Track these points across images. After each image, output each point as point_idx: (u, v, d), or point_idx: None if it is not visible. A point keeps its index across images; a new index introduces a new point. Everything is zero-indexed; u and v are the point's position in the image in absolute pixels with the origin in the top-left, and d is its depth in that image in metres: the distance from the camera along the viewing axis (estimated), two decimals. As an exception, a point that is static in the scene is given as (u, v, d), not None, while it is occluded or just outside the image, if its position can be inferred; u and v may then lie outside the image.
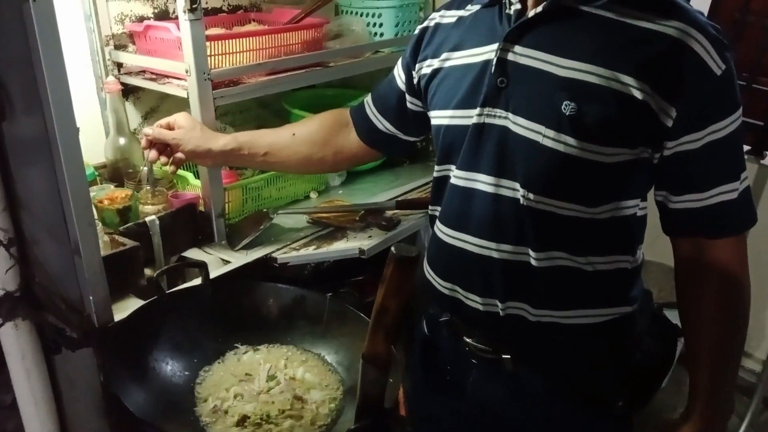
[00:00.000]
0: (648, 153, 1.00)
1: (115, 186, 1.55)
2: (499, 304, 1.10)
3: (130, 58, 1.62)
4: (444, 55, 1.15)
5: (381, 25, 1.87)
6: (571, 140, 0.98)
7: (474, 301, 1.12)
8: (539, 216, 1.03)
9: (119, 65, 1.64)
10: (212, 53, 1.42)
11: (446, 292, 1.17)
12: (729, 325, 1.09)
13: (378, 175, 1.95)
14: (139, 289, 1.32)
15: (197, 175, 1.58)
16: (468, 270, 1.12)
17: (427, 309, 1.28)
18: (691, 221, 1.04)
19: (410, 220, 1.65)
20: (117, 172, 1.61)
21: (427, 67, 1.19)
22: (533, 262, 1.06)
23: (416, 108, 1.31)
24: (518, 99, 1.02)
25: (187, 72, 1.36)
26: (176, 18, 1.34)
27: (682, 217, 1.05)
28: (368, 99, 1.42)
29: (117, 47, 1.64)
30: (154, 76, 1.58)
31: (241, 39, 1.50)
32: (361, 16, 1.89)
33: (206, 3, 1.81)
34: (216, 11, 1.85)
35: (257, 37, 1.54)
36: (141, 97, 1.75)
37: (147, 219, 1.40)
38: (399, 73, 1.32)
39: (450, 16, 1.19)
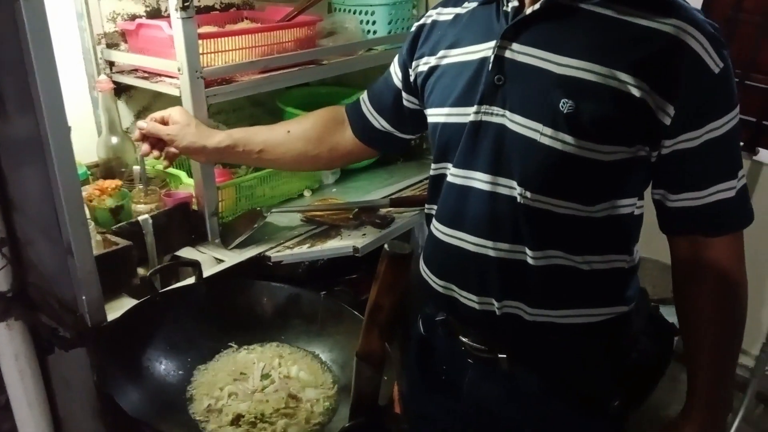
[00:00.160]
0: (645, 151, 1.00)
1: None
2: (495, 303, 1.10)
3: (122, 57, 1.61)
4: (441, 53, 1.14)
5: (374, 22, 1.87)
6: (568, 138, 0.97)
7: (470, 299, 1.12)
8: (536, 214, 1.03)
9: (111, 64, 1.63)
10: (204, 51, 1.41)
11: (442, 290, 1.16)
12: (727, 323, 1.08)
13: (372, 173, 1.95)
14: (133, 289, 1.32)
15: (190, 174, 1.57)
16: (464, 268, 1.12)
17: (423, 308, 1.28)
18: (689, 219, 1.04)
19: (404, 218, 1.65)
20: (109, 171, 1.61)
21: (423, 64, 1.19)
22: (530, 261, 1.05)
23: (412, 106, 1.30)
24: (515, 97, 1.02)
25: (179, 70, 1.35)
26: (168, 16, 1.33)
27: (680, 216, 1.05)
28: (364, 96, 1.41)
29: (109, 46, 1.63)
30: (146, 75, 1.57)
31: (233, 37, 1.49)
32: (354, 13, 1.89)
33: (198, 1, 1.81)
34: (208, 9, 1.85)
35: (250, 35, 1.53)
36: (133, 95, 1.74)
37: (140, 218, 1.39)
38: (395, 71, 1.32)
39: (447, 14, 1.18)
